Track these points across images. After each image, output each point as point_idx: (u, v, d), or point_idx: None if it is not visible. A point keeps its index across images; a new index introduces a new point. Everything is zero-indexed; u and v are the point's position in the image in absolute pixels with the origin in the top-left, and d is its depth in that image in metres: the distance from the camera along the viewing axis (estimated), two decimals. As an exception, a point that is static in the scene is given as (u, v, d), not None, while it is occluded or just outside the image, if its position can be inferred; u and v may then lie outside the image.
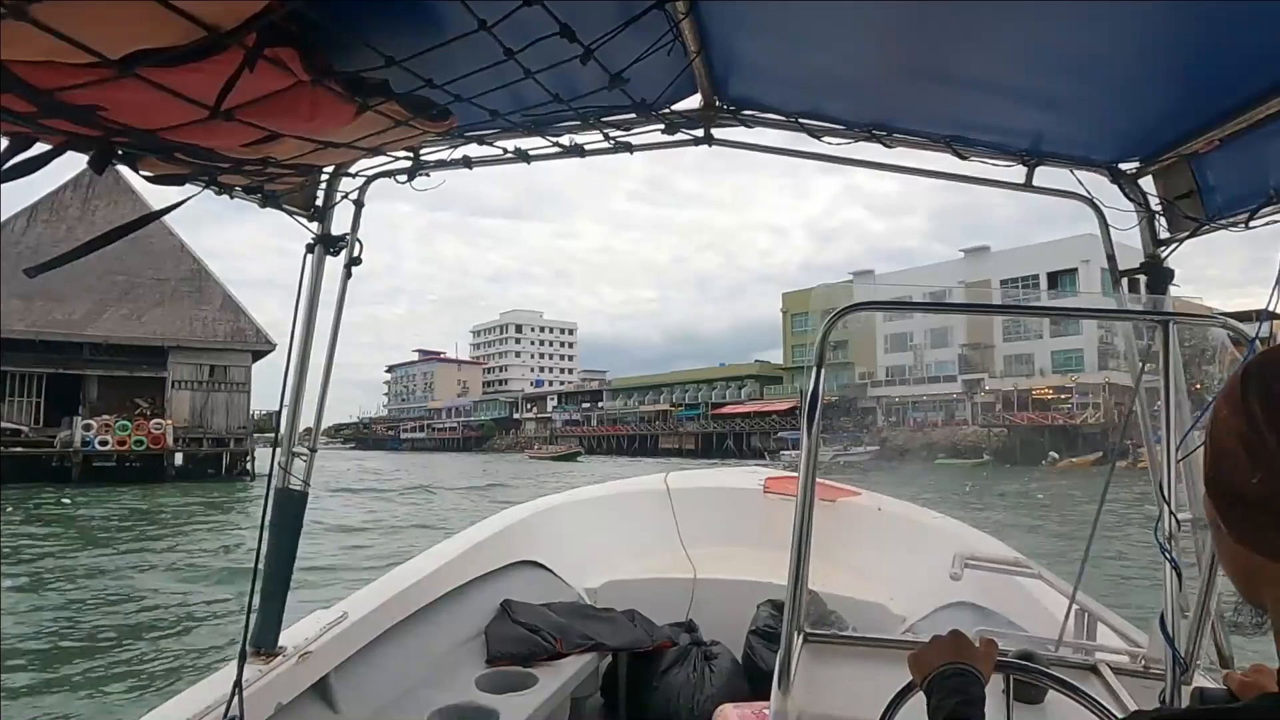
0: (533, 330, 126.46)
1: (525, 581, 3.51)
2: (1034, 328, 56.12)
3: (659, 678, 3.13)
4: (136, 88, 1.03)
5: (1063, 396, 52.01)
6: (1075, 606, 2.31)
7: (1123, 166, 1.89)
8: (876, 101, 1.87)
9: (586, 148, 1.95)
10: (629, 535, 4.17)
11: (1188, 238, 1.80)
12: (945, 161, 1.93)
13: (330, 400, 2.22)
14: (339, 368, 2.21)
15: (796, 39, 1.68)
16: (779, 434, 61.29)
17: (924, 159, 1.95)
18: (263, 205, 1.87)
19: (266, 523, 2.10)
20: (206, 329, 35.79)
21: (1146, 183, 1.88)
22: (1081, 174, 1.90)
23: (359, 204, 2.09)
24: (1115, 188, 1.89)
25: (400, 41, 1.32)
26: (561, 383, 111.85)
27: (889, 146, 1.91)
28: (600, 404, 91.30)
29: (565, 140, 1.93)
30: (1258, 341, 1.35)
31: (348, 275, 2.11)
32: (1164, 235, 1.87)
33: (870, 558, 4.02)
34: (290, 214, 1.98)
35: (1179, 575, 1.51)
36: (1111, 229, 1.94)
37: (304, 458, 2.13)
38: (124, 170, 1.42)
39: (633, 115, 1.83)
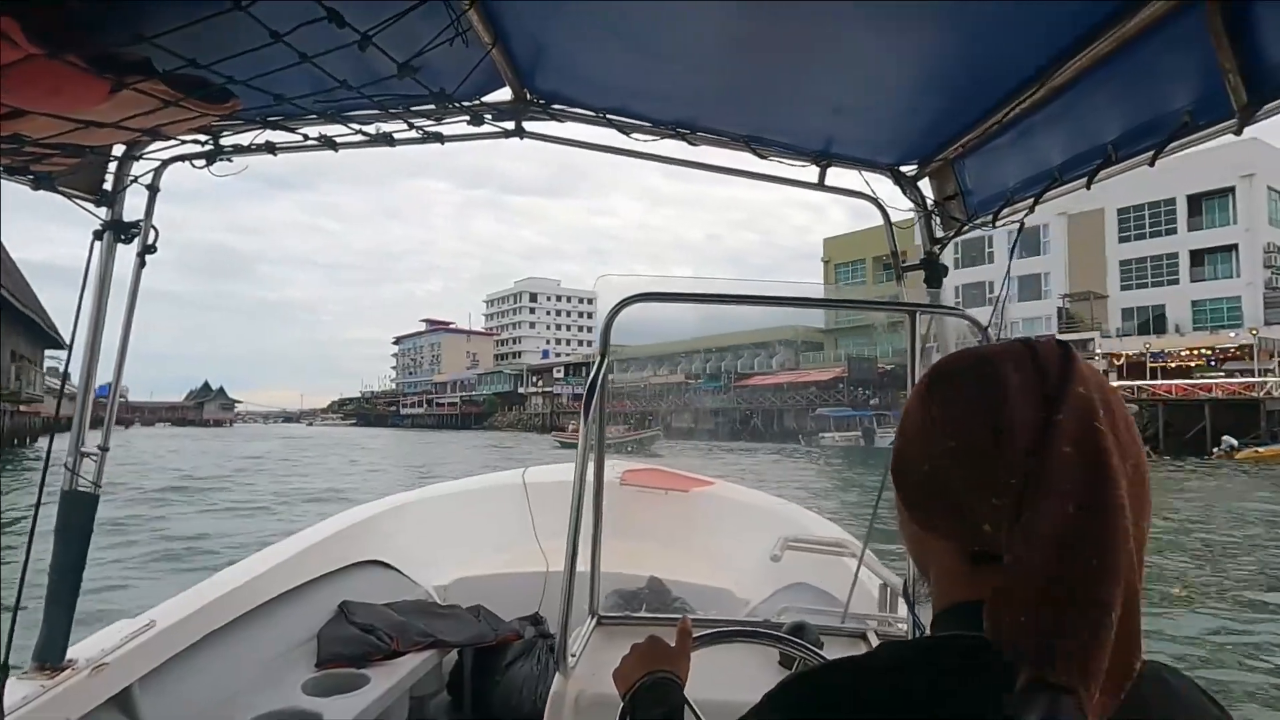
0: (549, 299, 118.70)
1: (368, 581, 3.42)
2: (1166, 268, 42.65)
3: (502, 672, 3.12)
4: None
5: (1212, 360, 39.45)
6: (880, 581, 2.50)
7: (903, 169, 2.04)
8: (680, 101, 1.94)
9: (396, 136, 1.93)
10: (482, 532, 4.13)
11: (954, 236, 1.97)
12: (746, 160, 2.02)
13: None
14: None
15: (599, 37, 1.71)
16: (818, 410, 50.97)
17: (727, 157, 2.04)
18: (35, 188, 1.74)
19: (53, 528, 1.97)
20: None
21: (925, 185, 2.04)
22: (869, 175, 2.04)
23: (153, 189, 1.98)
24: (898, 189, 2.05)
25: (156, 15, 1.26)
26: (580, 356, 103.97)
27: (693, 144, 1.99)
28: (611, 375, 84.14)
29: (372, 129, 1.90)
30: (989, 331, 1.50)
31: (141, 264, 2.00)
32: (939, 234, 2.04)
33: (720, 545, 4.16)
34: (70, 198, 1.85)
35: None
36: (895, 229, 2.10)
37: (94, 458, 2.00)
38: None
39: (433, 106, 1.82)
